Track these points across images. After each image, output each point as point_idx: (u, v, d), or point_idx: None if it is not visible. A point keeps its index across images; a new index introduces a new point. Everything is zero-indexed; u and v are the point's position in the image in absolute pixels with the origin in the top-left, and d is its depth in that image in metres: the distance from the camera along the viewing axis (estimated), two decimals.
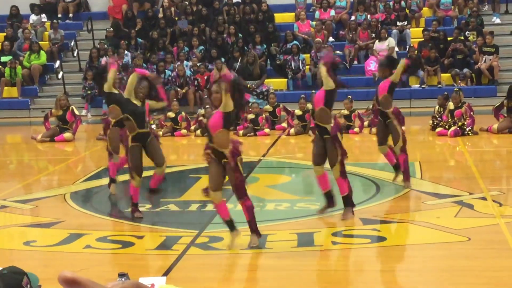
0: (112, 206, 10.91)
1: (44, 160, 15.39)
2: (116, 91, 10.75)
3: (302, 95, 17.59)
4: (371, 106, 15.45)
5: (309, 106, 17.15)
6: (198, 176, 12.07)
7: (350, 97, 17.04)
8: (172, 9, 24.34)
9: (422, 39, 21.90)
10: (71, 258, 8.20)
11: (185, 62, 21.64)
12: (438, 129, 15.87)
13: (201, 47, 22.47)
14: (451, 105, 16.00)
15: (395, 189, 10.91)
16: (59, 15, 25.29)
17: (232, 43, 22.50)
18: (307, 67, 21.61)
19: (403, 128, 11.19)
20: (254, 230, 8.14)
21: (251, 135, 16.77)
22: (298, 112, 16.97)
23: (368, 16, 23.10)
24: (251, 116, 17.07)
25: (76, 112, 17.12)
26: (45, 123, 17.26)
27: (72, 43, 23.81)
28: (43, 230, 9.37)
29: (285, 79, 21.64)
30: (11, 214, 10.14)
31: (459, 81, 20.70)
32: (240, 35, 22.66)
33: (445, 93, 16.93)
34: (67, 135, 16.80)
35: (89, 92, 21.27)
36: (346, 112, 16.85)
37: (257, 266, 7.65)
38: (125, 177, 11.29)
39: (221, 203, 8.16)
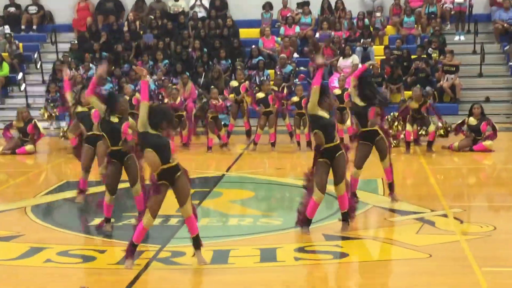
0: (76, 219, 10.84)
1: (4, 172, 15.19)
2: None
3: None
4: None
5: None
6: None
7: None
8: (137, 22, 24.28)
9: (384, 57, 22.10)
10: (31, 272, 8.09)
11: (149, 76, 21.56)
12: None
13: (166, 61, 22.44)
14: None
15: (357, 206, 10.93)
16: (23, 27, 25.11)
17: (197, 58, 22.50)
18: (272, 82, 21.63)
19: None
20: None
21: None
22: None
23: (333, 33, 23.27)
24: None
25: (39, 125, 16.95)
26: (6, 133, 17.09)
27: (36, 55, 23.62)
28: (2, 243, 9.23)
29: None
30: None
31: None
32: (205, 49, 22.67)
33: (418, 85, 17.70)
34: (28, 147, 16.63)
35: (51, 104, 21.05)
36: None
37: (220, 281, 7.62)
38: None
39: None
